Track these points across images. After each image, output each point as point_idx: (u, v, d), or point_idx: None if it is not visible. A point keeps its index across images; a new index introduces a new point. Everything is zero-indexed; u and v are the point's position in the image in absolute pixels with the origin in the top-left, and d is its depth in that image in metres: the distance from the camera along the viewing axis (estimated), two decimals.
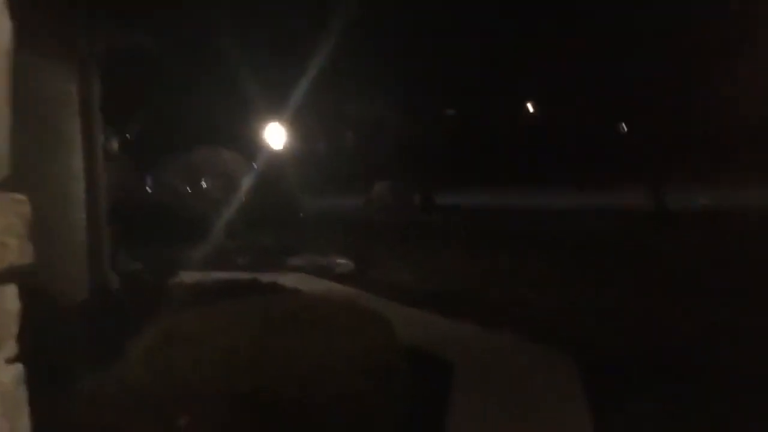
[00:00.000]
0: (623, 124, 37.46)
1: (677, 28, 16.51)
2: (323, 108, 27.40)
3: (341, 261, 10.45)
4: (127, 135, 23.94)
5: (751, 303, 7.62)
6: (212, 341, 3.44)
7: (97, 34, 7.48)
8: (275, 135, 14.16)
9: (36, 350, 4.76)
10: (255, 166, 15.27)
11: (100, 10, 7.48)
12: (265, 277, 8.08)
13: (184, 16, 18.60)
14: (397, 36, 28.70)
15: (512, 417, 4.70)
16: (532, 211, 17.65)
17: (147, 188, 14.24)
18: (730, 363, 5.61)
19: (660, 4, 16.80)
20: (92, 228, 7.62)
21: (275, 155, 14.49)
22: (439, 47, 30.65)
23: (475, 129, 35.55)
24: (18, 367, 1.94)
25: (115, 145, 12.37)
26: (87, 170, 7.51)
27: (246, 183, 14.49)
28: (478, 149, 33.48)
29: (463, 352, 5.98)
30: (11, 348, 1.93)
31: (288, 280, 8.45)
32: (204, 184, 14.10)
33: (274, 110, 16.95)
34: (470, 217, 17.37)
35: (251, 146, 15.84)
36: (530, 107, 40.99)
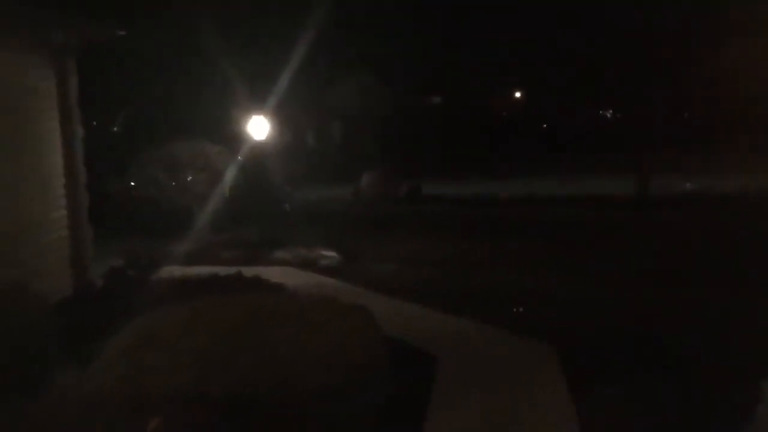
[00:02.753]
0: (609, 113, 37.63)
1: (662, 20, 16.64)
2: (309, 99, 27.31)
3: (327, 253, 10.41)
4: (114, 128, 23.78)
5: (734, 288, 7.73)
6: (187, 342, 3.42)
7: (73, 25, 7.36)
8: (260, 127, 14.06)
9: (17, 348, 4.73)
10: (240, 159, 15.17)
11: (75, 1, 7.38)
12: (249, 271, 8.03)
13: (165, 6, 18.48)
14: (383, 25, 28.63)
15: (494, 409, 4.71)
16: (518, 199, 17.69)
17: (131, 182, 14.11)
18: (713, 349, 5.68)
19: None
20: (74, 225, 7.56)
21: (260, 148, 14.41)
22: (425, 36, 30.61)
23: (460, 118, 35.53)
24: None
25: None
26: (67, 167, 7.44)
27: (230, 176, 14.39)
28: (464, 138, 33.50)
29: (447, 344, 5.99)
30: None
31: (273, 273, 8.41)
32: (188, 178, 13.99)
33: (258, 102, 16.85)
34: (458, 207, 17.36)
35: (236, 139, 15.72)
36: (516, 96, 41.01)
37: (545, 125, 38.78)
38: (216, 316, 3.73)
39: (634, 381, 5.06)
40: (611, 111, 37.27)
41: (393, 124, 30.34)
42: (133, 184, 14.01)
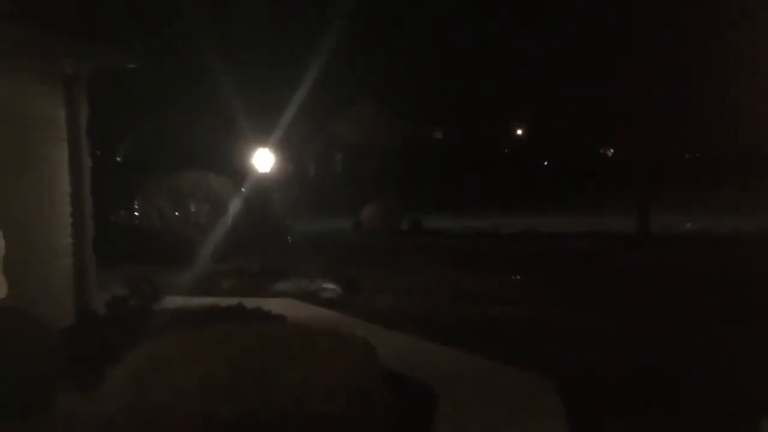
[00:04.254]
0: (610, 150, 37.92)
1: (665, 56, 16.95)
2: (312, 132, 27.58)
3: (328, 286, 10.44)
4: (117, 158, 23.97)
5: (730, 322, 7.77)
6: (192, 368, 3.46)
7: (83, 55, 7.51)
8: (263, 159, 14.19)
9: (19, 373, 4.76)
10: (243, 190, 15.29)
11: (85, 30, 7.53)
12: (251, 302, 8.07)
13: (173, 38, 18.80)
14: (388, 58, 29.05)
15: None
16: (518, 234, 17.79)
17: (134, 211, 14.22)
18: (708, 380, 5.71)
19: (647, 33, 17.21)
20: (79, 253, 7.62)
21: (263, 179, 14.54)
22: (430, 70, 31.03)
23: (463, 152, 35.83)
24: None
25: None
26: (73, 195, 7.52)
27: (233, 207, 14.50)
28: (466, 172, 33.74)
29: (447, 377, 6.00)
30: None
31: (274, 305, 8.44)
32: (191, 208, 14.09)
33: (262, 133, 17.03)
34: (458, 241, 17.43)
35: (239, 170, 15.87)
36: (518, 132, 41.39)
37: (546, 162, 39.09)
38: (221, 344, 3.77)
39: (631, 415, 5.07)
40: (612, 149, 37.58)
41: (396, 157, 30.59)
42: (136, 213, 14.11)
